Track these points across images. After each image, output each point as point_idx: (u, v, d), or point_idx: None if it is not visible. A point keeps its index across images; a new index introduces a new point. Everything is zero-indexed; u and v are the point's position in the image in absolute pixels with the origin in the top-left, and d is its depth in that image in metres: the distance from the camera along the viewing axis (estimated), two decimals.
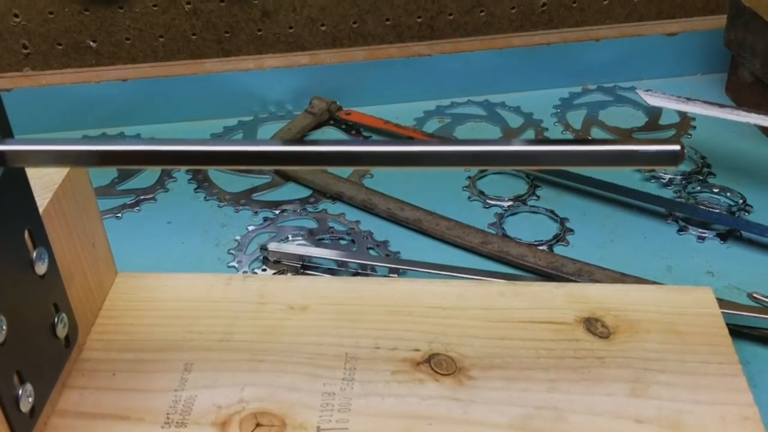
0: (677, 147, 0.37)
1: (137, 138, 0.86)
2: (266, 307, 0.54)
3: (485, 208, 0.74)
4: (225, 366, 0.49)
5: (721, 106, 0.74)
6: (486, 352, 0.50)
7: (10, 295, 0.40)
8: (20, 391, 0.41)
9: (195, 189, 0.78)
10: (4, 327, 0.39)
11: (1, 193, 0.39)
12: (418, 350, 0.50)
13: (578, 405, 0.47)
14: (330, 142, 0.37)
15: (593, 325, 0.52)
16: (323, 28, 0.89)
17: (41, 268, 0.43)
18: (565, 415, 0.46)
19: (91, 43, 0.87)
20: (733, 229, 0.69)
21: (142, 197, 0.76)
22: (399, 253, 0.68)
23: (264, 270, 0.66)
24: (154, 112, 0.88)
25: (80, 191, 0.50)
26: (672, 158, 0.37)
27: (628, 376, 0.48)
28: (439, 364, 0.49)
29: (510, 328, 0.52)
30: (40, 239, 0.43)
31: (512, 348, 0.50)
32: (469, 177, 0.78)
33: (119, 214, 0.74)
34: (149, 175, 0.79)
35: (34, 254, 0.42)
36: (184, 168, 0.78)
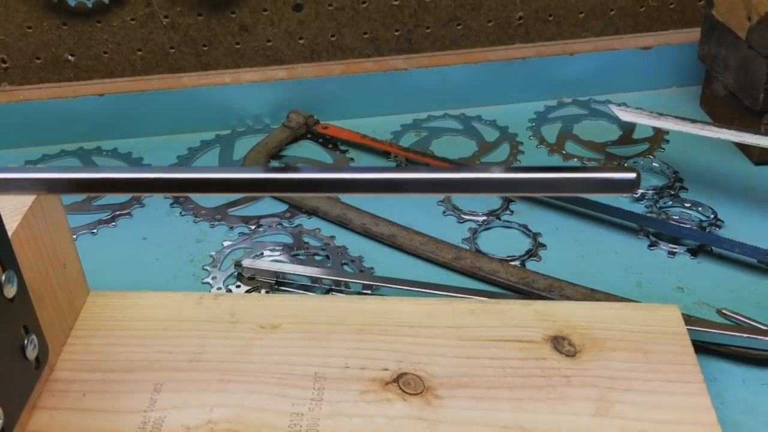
0: (633, 174, 0.37)
1: (113, 153, 0.86)
2: (237, 326, 0.54)
3: (460, 222, 0.75)
4: (194, 386, 0.49)
5: (693, 121, 0.74)
6: (454, 371, 0.51)
7: None
8: None
9: (171, 204, 0.78)
10: None
11: None
12: (387, 369, 0.51)
13: (543, 424, 0.47)
14: (304, 169, 0.38)
15: (560, 344, 0.52)
16: (301, 42, 0.90)
17: (10, 291, 0.43)
18: None
19: (70, 57, 0.87)
20: (703, 244, 0.70)
21: (118, 213, 0.76)
22: (373, 268, 0.69)
23: (238, 286, 0.66)
24: (131, 126, 0.88)
25: (51, 213, 0.50)
26: (628, 185, 0.38)
27: (593, 395, 0.49)
28: (407, 384, 0.50)
29: (478, 347, 0.53)
30: (9, 262, 0.43)
31: (480, 367, 0.51)
32: None
33: (95, 230, 0.74)
34: None
35: (3, 277, 0.43)
36: (158, 194, 0.78)
